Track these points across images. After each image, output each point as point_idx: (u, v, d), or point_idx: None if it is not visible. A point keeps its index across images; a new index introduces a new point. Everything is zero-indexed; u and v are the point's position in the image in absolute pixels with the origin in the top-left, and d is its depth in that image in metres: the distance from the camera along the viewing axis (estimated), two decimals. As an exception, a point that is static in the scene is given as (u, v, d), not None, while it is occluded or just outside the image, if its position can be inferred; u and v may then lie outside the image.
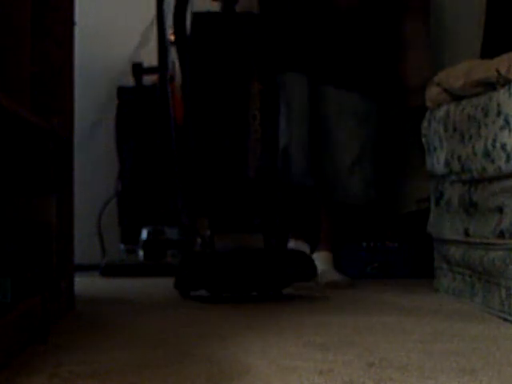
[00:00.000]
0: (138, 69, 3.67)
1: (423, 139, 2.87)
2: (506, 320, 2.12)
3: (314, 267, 2.60)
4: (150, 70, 3.65)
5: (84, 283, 2.64)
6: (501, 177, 2.23)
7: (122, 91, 3.71)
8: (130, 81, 3.71)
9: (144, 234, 3.58)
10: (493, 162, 2.25)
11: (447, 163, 2.62)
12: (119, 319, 2.17)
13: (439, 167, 2.70)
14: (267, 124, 2.70)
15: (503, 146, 2.19)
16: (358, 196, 3.15)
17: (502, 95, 2.23)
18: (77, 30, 2.34)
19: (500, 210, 2.24)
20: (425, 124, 2.85)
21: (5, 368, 1.46)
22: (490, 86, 2.34)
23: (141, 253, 3.58)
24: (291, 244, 3.14)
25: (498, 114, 2.23)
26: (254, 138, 2.66)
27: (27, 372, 1.45)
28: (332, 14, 3.14)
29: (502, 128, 2.20)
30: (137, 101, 3.71)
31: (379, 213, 3.48)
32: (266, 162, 2.70)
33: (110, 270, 3.44)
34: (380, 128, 3.26)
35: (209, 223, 2.62)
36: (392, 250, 3.40)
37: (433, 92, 2.76)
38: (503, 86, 2.24)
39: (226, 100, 2.68)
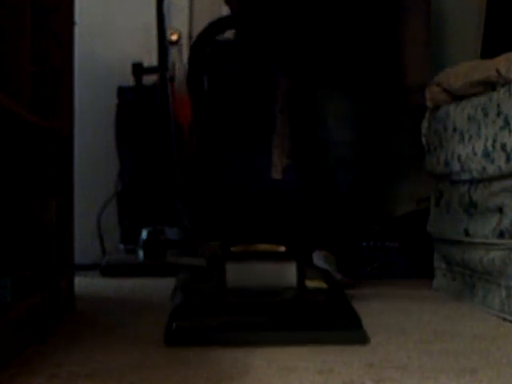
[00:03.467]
0: (137, 69, 3.66)
1: (423, 139, 2.86)
2: (505, 320, 2.12)
3: (358, 322, 1.82)
4: (150, 70, 3.65)
5: (84, 283, 2.64)
6: (501, 177, 2.23)
7: (122, 91, 3.71)
8: (130, 81, 3.71)
9: (144, 233, 3.57)
10: (493, 162, 2.25)
11: (447, 163, 2.62)
12: (119, 319, 2.17)
13: (439, 167, 2.70)
14: (297, 117, 2.15)
15: (503, 146, 2.19)
16: (336, 194, 3.13)
17: (502, 95, 2.23)
18: (77, 30, 2.34)
19: (500, 210, 2.23)
20: (425, 124, 2.85)
21: (5, 368, 1.46)
22: (489, 85, 2.34)
23: (141, 253, 3.58)
24: (316, 255, 2.88)
25: (498, 114, 2.23)
26: (281, 133, 2.08)
27: (27, 372, 1.45)
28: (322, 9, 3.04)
29: (502, 128, 2.20)
30: (137, 101, 3.71)
31: (374, 213, 3.48)
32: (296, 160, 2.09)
33: (109, 270, 3.44)
34: (361, 129, 3.23)
35: (221, 243, 1.98)
36: (392, 249, 3.40)
37: (433, 92, 2.76)
38: (503, 85, 2.24)
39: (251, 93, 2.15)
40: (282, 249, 1.89)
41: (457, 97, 2.59)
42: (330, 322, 1.79)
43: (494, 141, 2.24)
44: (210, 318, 1.78)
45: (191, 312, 1.83)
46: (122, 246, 3.69)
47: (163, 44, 3.53)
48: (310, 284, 1.91)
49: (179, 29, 3.73)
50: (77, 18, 2.34)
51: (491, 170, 2.27)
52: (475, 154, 2.38)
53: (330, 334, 1.75)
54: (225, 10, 3.28)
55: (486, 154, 2.29)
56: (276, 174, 2.03)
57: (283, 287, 1.83)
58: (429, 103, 2.80)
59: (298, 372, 1.47)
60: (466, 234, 2.49)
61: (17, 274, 1.74)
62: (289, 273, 1.84)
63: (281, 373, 1.47)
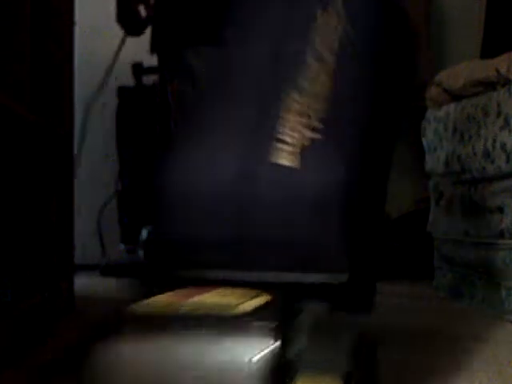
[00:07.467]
0: (137, 69, 3.66)
1: (423, 139, 2.86)
2: (505, 320, 2.12)
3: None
4: (150, 70, 3.65)
5: (84, 283, 2.64)
6: (501, 177, 2.23)
7: (122, 91, 3.71)
8: (130, 81, 3.71)
9: (144, 233, 3.57)
10: (493, 162, 2.25)
11: (447, 163, 2.62)
12: (119, 319, 2.16)
13: (439, 167, 2.70)
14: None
15: (503, 146, 2.19)
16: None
17: (502, 95, 2.23)
18: (77, 30, 2.34)
19: (500, 209, 2.24)
20: (425, 124, 2.85)
21: (5, 368, 1.46)
22: (490, 85, 2.34)
23: (141, 253, 3.58)
24: None
25: (498, 114, 2.23)
26: None
27: (27, 372, 1.45)
28: None
29: (501, 128, 2.20)
30: (137, 101, 3.71)
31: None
32: None
33: (109, 270, 3.44)
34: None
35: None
36: (392, 249, 3.40)
37: (433, 92, 2.76)
38: (503, 85, 2.24)
39: None
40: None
41: (457, 97, 2.59)
42: None
43: (494, 141, 2.24)
44: None
45: None
46: (122, 246, 3.69)
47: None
48: None
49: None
50: (77, 17, 2.34)
51: (491, 170, 2.27)
52: (475, 154, 2.38)
53: None
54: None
55: (486, 154, 2.29)
56: None
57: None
58: (429, 103, 2.80)
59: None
60: (466, 233, 2.49)
61: (17, 275, 1.74)
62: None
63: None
